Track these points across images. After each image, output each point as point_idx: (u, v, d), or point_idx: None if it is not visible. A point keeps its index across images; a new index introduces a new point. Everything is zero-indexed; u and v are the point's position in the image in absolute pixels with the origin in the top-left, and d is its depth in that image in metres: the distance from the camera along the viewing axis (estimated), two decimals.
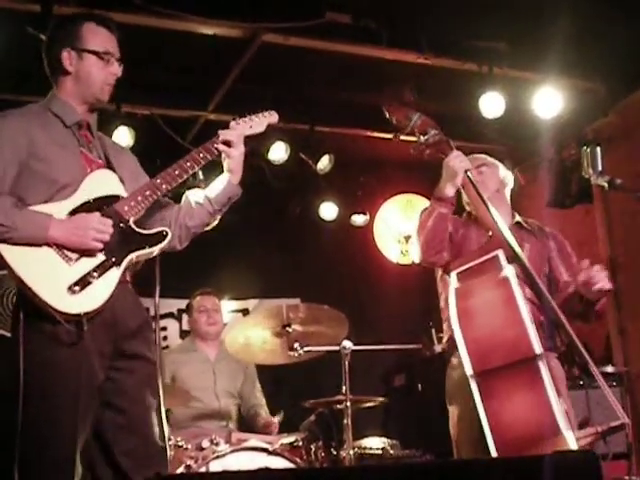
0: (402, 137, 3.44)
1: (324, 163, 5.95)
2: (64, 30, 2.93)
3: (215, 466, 3.97)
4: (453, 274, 3.22)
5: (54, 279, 2.64)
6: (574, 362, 3.22)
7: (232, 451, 4.10)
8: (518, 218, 3.72)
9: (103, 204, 2.79)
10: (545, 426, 2.85)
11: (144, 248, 2.81)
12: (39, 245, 2.65)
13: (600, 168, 3.33)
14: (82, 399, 2.65)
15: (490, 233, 3.45)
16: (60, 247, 2.68)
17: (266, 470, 3.58)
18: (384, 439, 4.82)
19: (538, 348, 2.94)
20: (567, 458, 2.00)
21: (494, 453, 2.87)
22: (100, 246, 2.71)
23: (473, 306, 3.12)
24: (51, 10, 4.39)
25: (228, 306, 5.52)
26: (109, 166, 2.91)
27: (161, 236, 2.85)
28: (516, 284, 3.07)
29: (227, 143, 3.00)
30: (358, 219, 6.85)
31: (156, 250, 2.85)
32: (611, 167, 3.52)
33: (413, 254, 3.56)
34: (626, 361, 5.68)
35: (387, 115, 3.38)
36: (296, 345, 4.61)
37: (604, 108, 5.91)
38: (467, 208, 3.74)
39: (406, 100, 3.39)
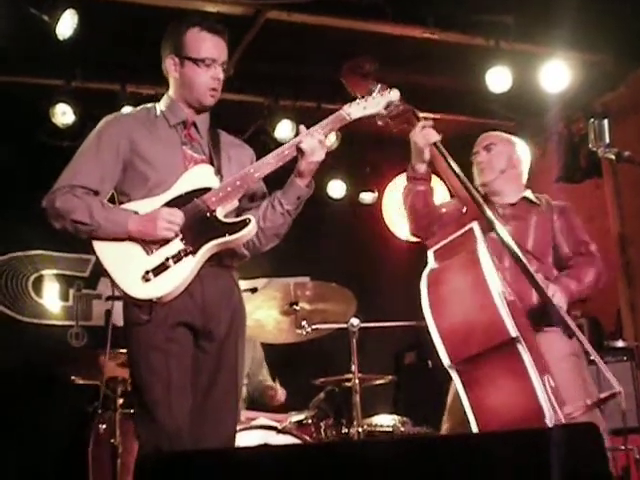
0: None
1: (331, 141, 5.90)
2: (171, 37, 3.03)
3: None
4: (430, 252, 3.16)
5: (132, 268, 2.81)
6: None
7: (241, 429, 4.10)
8: (526, 193, 3.69)
9: (194, 196, 2.89)
10: (529, 411, 2.77)
11: (224, 236, 2.86)
12: (122, 239, 2.83)
13: (607, 141, 3.26)
14: (153, 356, 2.83)
15: (465, 209, 3.33)
16: (142, 239, 2.83)
17: (265, 446, 3.60)
18: (394, 416, 4.82)
19: (513, 331, 2.83)
20: (571, 430, 2.00)
21: None
22: (170, 235, 2.81)
23: (444, 292, 3.00)
24: None
25: None
26: (210, 162, 2.99)
27: (243, 224, 2.88)
28: (485, 261, 2.94)
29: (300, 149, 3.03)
30: (366, 197, 6.83)
31: (237, 238, 2.88)
32: (621, 140, 3.47)
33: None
34: (637, 336, 5.66)
35: (348, 88, 3.25)
36: (304, 323, 4.62)
37: (613, 81, 5.86)
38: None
39: (366, 71, 3.19)
